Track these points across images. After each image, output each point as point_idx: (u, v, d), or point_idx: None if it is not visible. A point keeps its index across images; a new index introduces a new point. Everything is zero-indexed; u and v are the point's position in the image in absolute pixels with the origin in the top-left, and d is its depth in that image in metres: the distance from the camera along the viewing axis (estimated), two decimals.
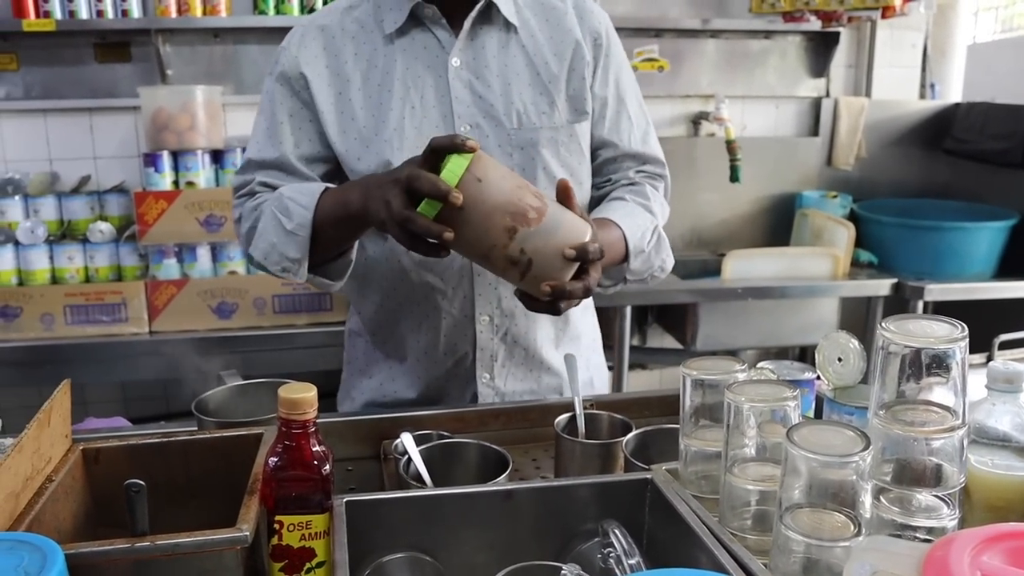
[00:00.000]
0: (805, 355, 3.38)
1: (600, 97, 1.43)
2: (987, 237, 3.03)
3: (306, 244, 1.26)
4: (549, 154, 1.37)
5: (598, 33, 1.42)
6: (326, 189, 1.28)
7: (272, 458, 0.87)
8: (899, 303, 2.99)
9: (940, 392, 0.79)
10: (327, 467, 0.88)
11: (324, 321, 2.71)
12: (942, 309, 3.04)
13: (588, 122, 1.42)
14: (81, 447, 1.00)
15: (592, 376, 1.57)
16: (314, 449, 0.87)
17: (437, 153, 1.06)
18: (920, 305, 2.93)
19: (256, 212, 1.35)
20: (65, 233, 2.76)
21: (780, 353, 3.50)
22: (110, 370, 2.72)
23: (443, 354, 1.43)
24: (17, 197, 2.74)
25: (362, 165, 1.34)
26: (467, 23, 1.34)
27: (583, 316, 1.55)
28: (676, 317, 3.09)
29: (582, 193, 1.44)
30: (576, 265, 1.10)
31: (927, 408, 0.78)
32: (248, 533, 0.81)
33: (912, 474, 0.78)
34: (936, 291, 2.91)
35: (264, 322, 2.69)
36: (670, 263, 1.46)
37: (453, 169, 1.03)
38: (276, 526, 0.87)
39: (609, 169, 1.49)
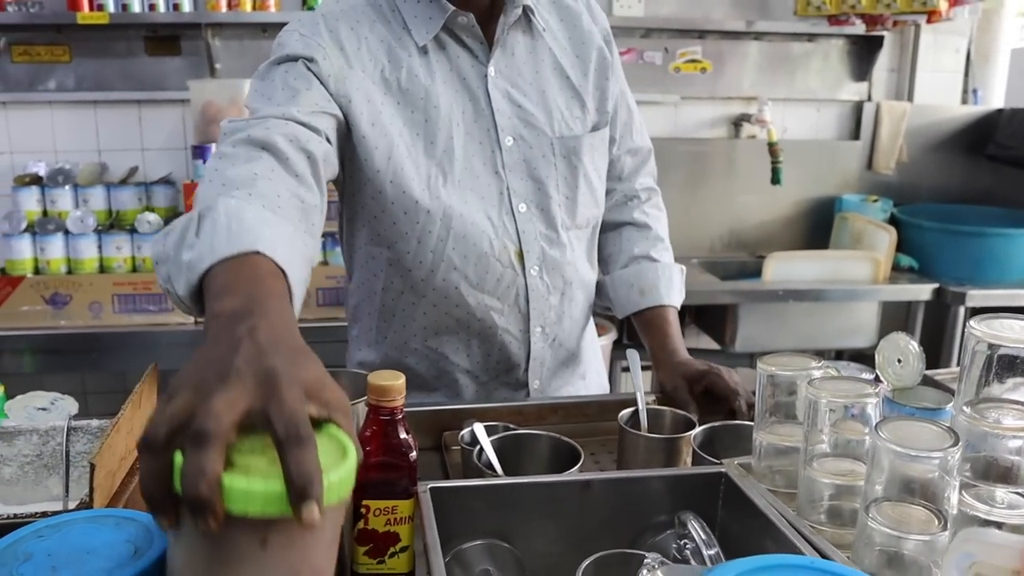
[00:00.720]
0: (843, 359, 3.37)
1: (620, 93, 1.46)
2: None
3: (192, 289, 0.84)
4: (588, 160, 1.38)
5: (607, 31, 1.44)
6: (259, 250, 0.83)
7: (361, 444, 0.89)
8: (940, 308, 2.98)
9: None
10: (413, 454, 0.90)
11: None
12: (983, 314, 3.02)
13: (608, 124, 1.43)
14: None
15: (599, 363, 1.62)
16: (402, 436, 0.89)
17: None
18: (961, 311, 2.92)
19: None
20: (113, 223, 2.81)
21: (818, 356, 3.50)
22: (155, 359, 2.74)
23: (496, 363, 1.43)
24: (67, 187, 2.79)
25: (409, 190, 1.28)
26: (500, 30, 1.29)
27: (588, 299, 1.53)
28: (714, 318, 3.09)
29: (602, 190, 1.46)
30: None
31: (1012, 406, 0.79)
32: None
33: (996, 471, 0.79)
34: (978, 297, 2.90)
35: (307, 314, 2.73)
36: None
37: (343, 482, 0.60)
38: (363, 510, 0.89)
39: (616, 167, 1.52)
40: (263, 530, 0.56)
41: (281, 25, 2.97)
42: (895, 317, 3.08)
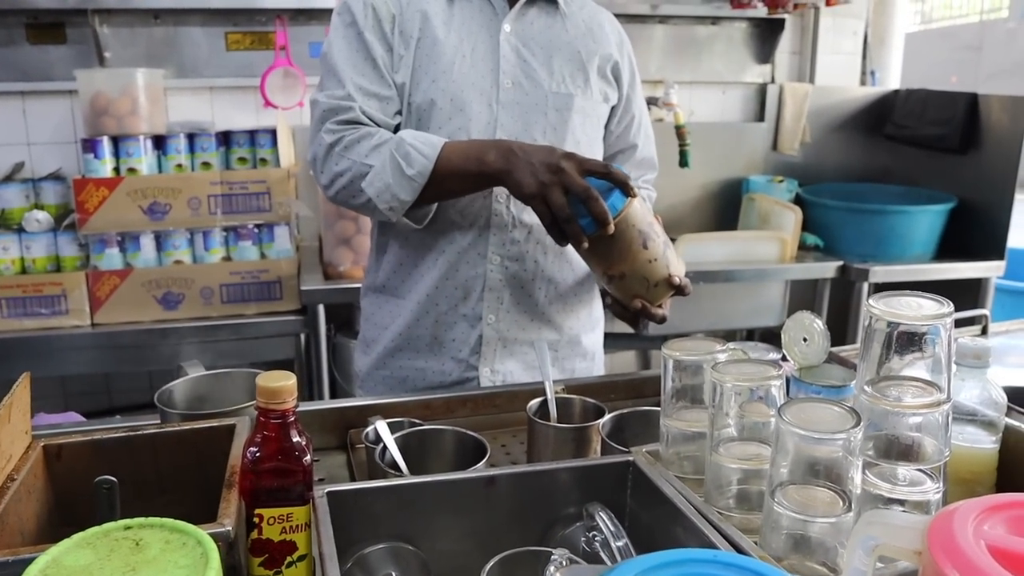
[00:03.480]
0: (753, 338, 3.43)
1: (638, 107, 1.62)
2: (927, 220, 3.11)
3: (419, 190, 1.36)
4: (579, 121, 1.49)
5: (630, 52, 1.61)
6: (447, 142, 1.37)
7: (251, 449, 0.84)
8: (845, 285, 3.06)
9: (924, 368, 0.80)
10: (307, 458, 0.85)
11: (274, 310, 2.65)
12: (886, 290, 3.10)
13: (608, 107, 1.56)
14: (42, 444, 0.96)
15: (593, 352, 1.66)
16: (294, 440, 0.85)
17: (600, 175, 1.26)
18: (865, 287, 3.00)
19: (366, 154, 1.39)
20: None
21: (728, 336, 3.54)
22: (51, 364, 2.62)
23: (454, 288, 1.48)
24: None
25: (410, 97, 1.43)
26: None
27: (591, 291, 1.61)
28: None
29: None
30: (671, 292, 1.36)
31: (912, 384, 0.79)
32: (231, 528, 0.78)
33: (898, 448, 0.79)
34: (880, 273, 2.97)
35: (212, 312, 2.62)
36: None
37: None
38: (256, 519, 0.84)
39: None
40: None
41: (173, 11, 2.87)
42: (802, 295, 3.14)
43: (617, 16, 1.62)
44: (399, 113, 1.44)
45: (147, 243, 2.59)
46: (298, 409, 1.32)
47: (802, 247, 3.15)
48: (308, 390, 2.75)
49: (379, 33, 1.43)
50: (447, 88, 1.41)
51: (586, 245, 1.26)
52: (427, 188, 1.36)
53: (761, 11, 3.30)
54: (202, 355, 2.63)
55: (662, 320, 1.39)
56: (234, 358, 2.66)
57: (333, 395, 2.74)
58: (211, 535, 0.77)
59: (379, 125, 1.42)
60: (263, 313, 2.65)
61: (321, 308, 2.62)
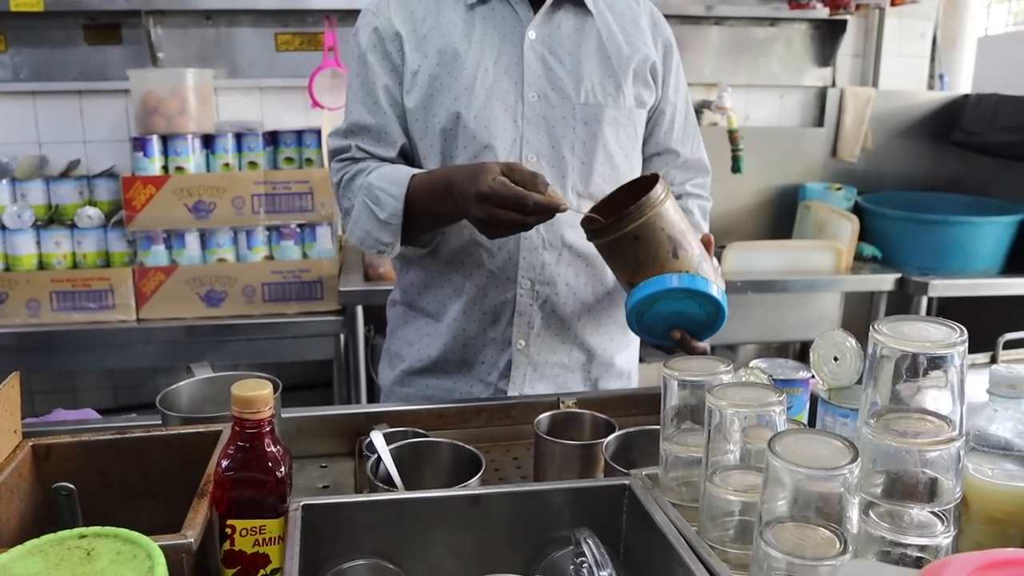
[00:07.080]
0: (806, 351, 3.31)
1: (672, 103, 1.51)
2: (994, 232, 2.96)
3: (399, 230, 1.33)
4: (610, 133, 1.41)
5: (669, 43, 1.51)
6: (413, 176, 1.32)
7: (224, 459, 0.82)
8: (903, 298, 2.93)
9: (936, 399, 0.73)
10: (283, 469, 0.83)
11: (315, 310, 2.65)
12: (946, 305, 2.97)
13: (645, 111, 1.48)
14: (31, 443, 0.95)
15: (628, 372, 1.59)
16: (269, 450, 0.82)
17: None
18: (924, 301, 2.86)
19: (354, 195, 1.38)
20: (53, 218, 2.70)
21: (781, 349, 3.44)
22: (98, 358, 2.67)
23: (483, 313, 1.43)
24: (4, 181, 2.67)
25: (433, 118, 1.37)
26: (548, 1, 1.38)
27: (593, 279, 1.53)
28: None
29: (633, 176, 1.46)
30: None
31: (921, 417, 0.72)
32: (193, 540, 0.76)
33: (904, 487, 0.72)
34: (941, 287, 2.84)
35: (254, 310, 2.64)
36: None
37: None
38: (228, 531, 0.82)
39: (666, 174, 1.54)
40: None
41: (225, 12, 2.90)
42: (858, 308, 3.02)
43: (671, 16, 1.56)
44: (404, 135, 1.40)
45: (192, 241, 2.62)
46: (311, 415, 1.33)
47: (859, 258, 3.02)
48: (347, 390, 2.74)
49: (381, 53, 1.39)
50: (470, 105, 1.35)
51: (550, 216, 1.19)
52: (407, 226, 1.33)
53: (821, 12, 3.18)
54: (242, 354, 2.65)
55: (702, 353, 1.26)
56: (274, 357, 2.68)
57: (371, 397, 2.73)
58: (172, 546, 0.75)
59: (377, 158, 1.39)
60: (304, 312, 2.65)
61: (359, 309, 2.61)
